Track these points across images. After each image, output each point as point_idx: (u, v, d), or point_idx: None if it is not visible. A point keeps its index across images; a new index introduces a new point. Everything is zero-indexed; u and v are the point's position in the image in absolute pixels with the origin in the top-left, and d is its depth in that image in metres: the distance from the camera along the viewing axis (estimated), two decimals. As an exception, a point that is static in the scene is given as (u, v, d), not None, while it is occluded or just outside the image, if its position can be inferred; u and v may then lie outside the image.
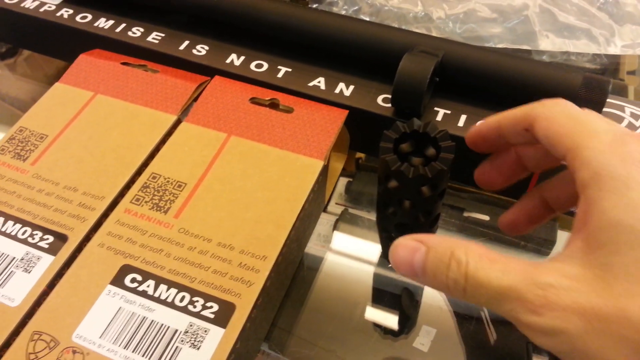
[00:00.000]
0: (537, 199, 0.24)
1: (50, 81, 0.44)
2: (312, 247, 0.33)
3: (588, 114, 0.19)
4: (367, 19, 0.39)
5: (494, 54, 0.30)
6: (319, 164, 0.28)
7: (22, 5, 0.38)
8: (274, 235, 0.25)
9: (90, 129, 0.30)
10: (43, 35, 0.39)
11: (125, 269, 0.24)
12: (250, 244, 0.25)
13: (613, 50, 0.38)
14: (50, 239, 0.25)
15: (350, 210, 0.39)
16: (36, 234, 0.25)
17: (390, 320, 0.30)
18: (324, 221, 0.37)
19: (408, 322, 0.30)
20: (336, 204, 0.40)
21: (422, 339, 0.29)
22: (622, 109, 0.31)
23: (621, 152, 0.16)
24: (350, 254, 0.36)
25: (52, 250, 0.25)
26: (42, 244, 0.25)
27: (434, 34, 0.38)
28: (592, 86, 0.29)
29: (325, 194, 0.31)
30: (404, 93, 0.29)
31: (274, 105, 0.31)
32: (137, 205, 0.26)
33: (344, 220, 0.37)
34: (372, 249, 0.35)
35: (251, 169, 0.28)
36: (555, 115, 0.19)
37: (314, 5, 0.39)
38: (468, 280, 0.17)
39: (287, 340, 0.29)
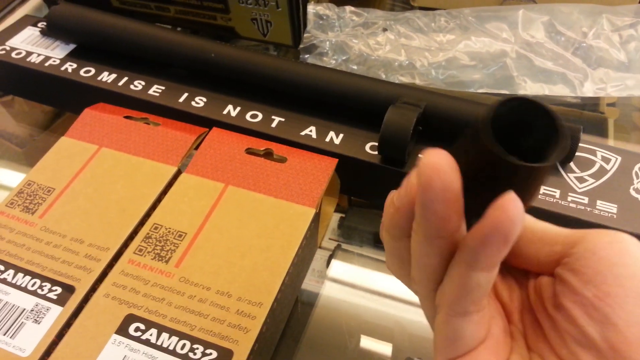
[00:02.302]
0: None
1: (47, 118, 0.46)
2: (306, 283, 0.35)
3: None
4: (355, 67, 0.41)
5: (471, 104, 0.33)
6: (310, 212, 0.30)
7: (28, 60, 0.41)
8: (269, 282, 0.27)
9: (95, 182, 0.31)
10: (48, 88, 0.41)
11: (130, 319, 0.25)
12: (247, 291, 0.26)
13: (587, 92, 0.40)
14: (59, 290, 0.27)
15: (344, 246, 0.41)
16: (45, 286, 0.27)
17: (383, 353, 0.32)
18: (318, 257, 0.39)
19: (399, 355, 0.31)
20: (329, 239, 0.41)
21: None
22: (593, 152, 0.33)
23: None
24: (343, 288, 0.37)
25: (61, 301, 0.26)
26: (51, 295, 0.27)
27: (417, 80, 0.40)
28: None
29: (318, 237, 0.33)
30: (390, 143, 0.31)
31: (268, 154, 0.33)
32: (140, 255, 0.28)
33: (337, 256, 0.39)
34: (365, 283, 0.36)
35: (247, 218, 0.29)
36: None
37: (305, 56, 0.42)
38: None
39: (284, 379, 0.30)
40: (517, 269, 0.20)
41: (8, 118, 0.42)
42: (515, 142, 0.17)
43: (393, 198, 0.19)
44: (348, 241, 0.41)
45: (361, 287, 0.37)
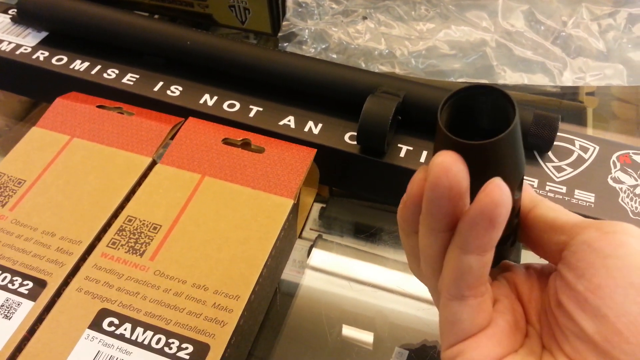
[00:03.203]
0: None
1: (24, 107, 0.45)
2: (287, 273, 0.35)
3: None
4: (335, 56, 0.41)
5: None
6: (289, 203, 0.29)
7: (-2, 48, 0.39)
8: (247, 275, 0.26)
9: (67, 173, 0.31)
10: (19, 77, 0.40)
11: (103, 313, 0.25)
12: (224, 284, 0.26)
13: (566, 81, 0.41)
14: (30, 284, 0.26)
15: (324, 236, 0.41)
16: (16, 280, 0.26)
17: (365, 342, 0.32)
18: (299, 247, 0.38)
19: (381, 345, 0.31)
20: (310, 229, 0.41)
21: (395, 361, 0.31)
22: (572, 142, 0.33)
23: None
24: (324, 277, 0.37)
25: (32, 295, 0.26)
26: (22, 289, 0.26)
27: (397, 69, 0.40)
28: (542, 123, 0.31)
29: (297, 228, 0.33)
30: (369, 133, 0.31)
31: (246, 144, 0.33)
32: (113, 249, 0.27)
33: (318, 246, 0.39)
34: (346, 272, 0.36)
35: (224, 210, 0.29)
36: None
37: (284, 44, 0.41)
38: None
39: (263, 371, 0.30)
40: (543, 270, 0.21)
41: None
42: (478, 126, 0.18)
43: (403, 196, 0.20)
44: (329, 231, 0.41)
45: (342, 276, 0.36)
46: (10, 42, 0.40)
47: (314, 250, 0.39)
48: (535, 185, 0.31)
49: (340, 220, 0.41)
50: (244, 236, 0.28)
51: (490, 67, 0.40)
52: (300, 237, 0.37)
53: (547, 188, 0.30)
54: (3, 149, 0.44)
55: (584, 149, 0.32)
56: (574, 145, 0.33)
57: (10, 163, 0.31)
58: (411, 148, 0.33)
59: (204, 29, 0.48)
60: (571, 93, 0.47)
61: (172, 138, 0.33)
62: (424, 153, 0.32)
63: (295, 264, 0.38)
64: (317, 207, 0.41)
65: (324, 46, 0.41)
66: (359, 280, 0.36)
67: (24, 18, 0.40)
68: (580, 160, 0.32)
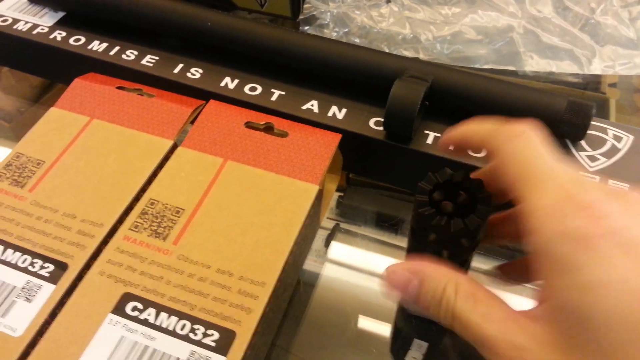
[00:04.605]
0: None
1: (35, 92, 0.44)
2: (305, 262, 0.34)
3: (543, 160, 0.18)
4: (357, 40, 0.40)
5: (481, 78, 0.32)
6: (314, 189, 0.29)
7: (14, 27, 0.39)
8: (272, 261, 0.26)
9: (87, 155, 0.30)
10: (36, 58, 0.39)
11: (126, 297, 0.24)
12: (249, 270, 0.25)
13: (595, 70, 0.40)
14: (51, 267, 0.26)
15: (342, 225, 0.40)
16: (36, 262, 0.26)
17: (383, 334, 0.31)
18: (317, 236, 0.38)
19: (400, 336, 0.31)
20: (328, 218, 0.40)
21: (414, 352, 0.30)
22: (605, 131, 0.32)
23: (564, 227, 0.16)
24: (343, 268, 0.36)
25: (53, 278, 0.25)
26: (43, 272, 0.25)
27: (421, 55, 0.39)
28: (576, 111, 0.30)
29: (320, 216, 0.32)
30: (396, 118, 0.30)
31: (268, 128, 0.32)
32: (136, 232, 0.27)
33: (336, 236, 0.38)
34: (364, 263, 0.36)
35: (247, 194, 0.28)
36: (511, 156, 0.19)
37: (305, 27, 0.40)
38: (455, 319, 0.18)
39: (286, 359, 0.29)
40: None
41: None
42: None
43: None
44: (347, 220, 0.41)
45: (360, 267, 0.36)
46: (27, 22, 0.39)
47: (333, 241, 0.38)
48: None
49: (359, 210, 0.41)
50: (268, 221, 0.27)
51: (517, 53, 0.39)
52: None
53: (579, 178, 0.30)
54: (16, 132, 0.44)
55: (618, 138, 0.31)
56: (607, 134, 0.32)
57: (28, 144, 0.31)
58: (438, 135, 0.32)
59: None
60: (594, 83, 0.46)
61: (192, 122, 0.32)
62: (452, 140, 0.31)
63: (313, 252, 0.38)
64: (335, 195, 0.41)
65: (345, 30, 0.40)
66: (378, 272, 0.36)
67: (40, -3, 0.39)
68: (614, 150, 0.31)
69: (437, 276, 0.19)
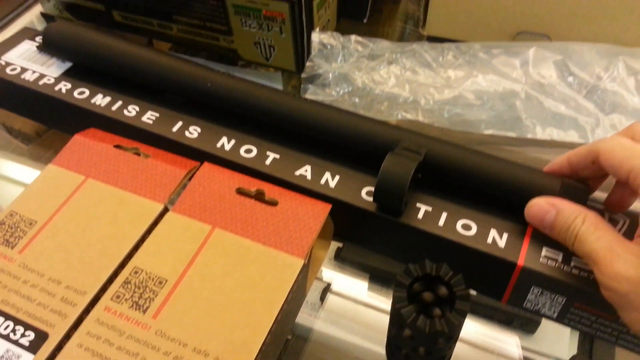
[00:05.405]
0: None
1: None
2: (300, 316, 0.33)
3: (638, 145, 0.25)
4: (357, 99, 0.40)
5: (476, 154, 0.31)
6: (299, 263, 0.28)
7: (22, 77, 0.40)
8: (250, 342, 0.25)
9: (79, 217, 0.30)
10: (41, 108, 0.40)
11: (101, 374, 0.24)
12: (225, 351, 0.25)
13: (598, 138, 0.39)
14: (32, 335, 0.26)
15: (339, 278, 0.40)
16: (18, 330, 0.26)
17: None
18: (313, 288, 0.37)
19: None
20: (325, 268, 0.40)
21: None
22: (601, 214, 0.31)
23: None
24: (338, 322, 0.36)
25: (33, 348, 0.25)
26: (23, 340, 0.26)
27: (421, 117, 0.39)
28: (570, 193, 0.29)
29: (307, 286, 0.32)
30: (386, 193, 0.30)
31: (259, 195, 0.32)
32: (117, 303, 0.27)
33: (332, 290, 0.38)
34: (360, 317, 0.35)
35: (232, 266, 0.28)
36: (614, 147, 0.25)
37: (308, 85, 0.40)
38: (576, 239, 0.26)
39: None
40: None
41: (14, 114, 0.42)
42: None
43: None
44: (344, 273, 0.40)
45: (356, 320, 0.36)
46: (34, 72, 0.40)
47: (328, 293, 0.38)
48: (560, 260, 0.29)
49: (356, 262, 0.40)
50: (250, 298, 0.27)
51: (519, 119, 0.39)
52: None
53: (572, 264, 0.29)
54: (34, 155, 0.45)
55: (614, 222, 0.30)
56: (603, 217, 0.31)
57: (23, 202, 0.31)
58: (430, 209, 0.31)
59: (229, 62, 0.48)
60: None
61: (190, 178, 0.32)
62: (444, 215, 0.31)
63: (308, 305, 0.38)
64: (333, 246, 0.40)
65: (347, 90, 0.40)
66: (373, 327, 0.35)
67: (49, 47, 0.40)
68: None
69: (570, 209, 0.26)
